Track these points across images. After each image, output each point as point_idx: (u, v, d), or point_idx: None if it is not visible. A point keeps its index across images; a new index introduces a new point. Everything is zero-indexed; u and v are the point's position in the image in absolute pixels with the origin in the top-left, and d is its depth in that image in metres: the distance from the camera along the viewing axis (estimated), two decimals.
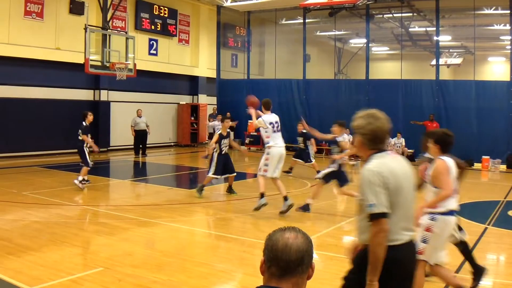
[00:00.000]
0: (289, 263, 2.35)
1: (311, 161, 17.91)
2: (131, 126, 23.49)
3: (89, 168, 14.19)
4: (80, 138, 14.14)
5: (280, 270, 2.36)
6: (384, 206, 3.69)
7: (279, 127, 11.36)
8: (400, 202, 3.79)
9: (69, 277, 6.87)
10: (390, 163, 3.87)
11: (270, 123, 11.22)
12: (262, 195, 10.96)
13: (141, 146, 23.81)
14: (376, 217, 3.68)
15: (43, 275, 6.88)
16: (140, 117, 23.59)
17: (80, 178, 13.97)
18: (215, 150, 13.35)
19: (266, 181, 11.15)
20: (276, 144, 11.17)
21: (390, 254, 3.68)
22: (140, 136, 23.63)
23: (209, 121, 28.41)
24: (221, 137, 13.30)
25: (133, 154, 23.61)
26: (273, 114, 11.48)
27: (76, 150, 14.43)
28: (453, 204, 5.78)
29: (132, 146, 24.00)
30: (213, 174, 13.29)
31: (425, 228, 5.77)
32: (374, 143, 3.96)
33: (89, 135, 14.34)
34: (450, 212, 5.75)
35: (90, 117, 14.43)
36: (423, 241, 5.73)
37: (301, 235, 2.43)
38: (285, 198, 10.90)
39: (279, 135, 11.33)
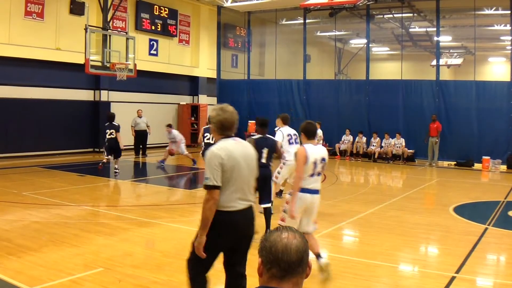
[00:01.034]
0: (290, 264, 2.34)
1: None
2: (132, 126, 23.45)
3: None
4: (114, 136, 17.04)
5: (281, 271, 2.35)
6: (216, 180, 4.71)
7: (297, 139, 11.57)
8: (235, 178, 4.81)
9: (69, 277, 6.88)
10: (230, 147, 4.86)
11: (288, 135, 11.69)
12: None
13: (141, 146, 23.81)
14: (209, 188, 4.73)
15: (43, 275, 6.88)
16: (140, 117, 23.55)
17: (117, 166, 17.30)
18: None
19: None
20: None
21: (226, 218, 4.81)
22: (140, 136, 23.61)
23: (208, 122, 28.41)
24: None
25: (133, 155, 23.60)
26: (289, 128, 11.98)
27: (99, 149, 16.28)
28: (308, 184, 6.95)
29: (133, 147, 23.95)
30: None
31: (286, 201, 7.21)
32: (222, 130, 4.98)
33: None
34: (304, 190, 6.91)
35: None
36: (284, 211, 7.17)
37: (298, 235, 2.43)
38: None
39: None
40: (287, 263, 2.34)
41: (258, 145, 8.90)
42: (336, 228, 10.29)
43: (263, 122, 9.78)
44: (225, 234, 4.87)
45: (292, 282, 2.37)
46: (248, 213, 4.98)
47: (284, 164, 11.59)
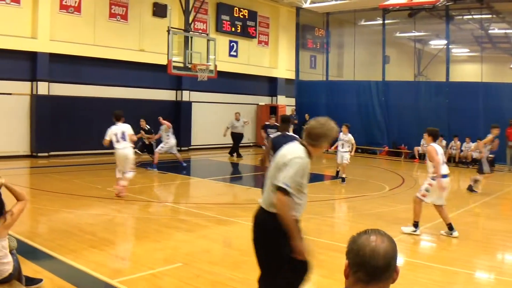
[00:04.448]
0: (376, 269, 2.31)
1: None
2: (227, 127, 23.57)
3: None
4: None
5: (367, 275, 2.32)
6: None
7: None
8: None
9: (149, 271, 7.09)
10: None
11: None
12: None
13: (233, 145, 23.87)
14: None
15: (124, 268, 7.14)
16: (238, 120, 23.64)
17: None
18: None
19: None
20: None
21: None
22: (237, 138, 23.72)
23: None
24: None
25: (213, 153, 23.93)
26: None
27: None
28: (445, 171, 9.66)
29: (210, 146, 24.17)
30: None
31: (428, 183, 9.66)
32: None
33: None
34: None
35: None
36: (426, 190, 9.68)
37: (387, 239, 2.39)
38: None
39: None
40: (374, 268, 2.31)
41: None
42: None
43: (284, 119, 9.44)
44: None
45: (378, 287, 2.35)
46: (257, 213, 4.94)
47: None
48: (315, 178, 17.73)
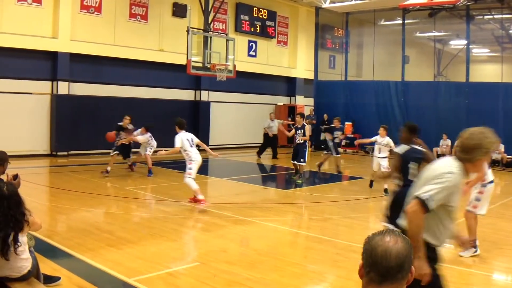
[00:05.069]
0: (388, 269, 2.31)
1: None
2: (265, 128, 23.51)
3: None
4: None
5: (379, 276, 2.32)
6: None
7: None
8: None
9: (166, 270, 7.13)
10: None
11: None
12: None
13: (271, 148, 23.63)
14: None
15: (141, 267, 7.15)
16: (272, 120, 23.59)
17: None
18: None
19: None
20: None
21: None
22: (272, 139, 23.56)
23: (305, 122, 28.45)
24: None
25: (231, 153, 23.96)
26: None
27: None
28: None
29: (232, 144, 24.20)
30: None
31: (479, 191, 8.74)
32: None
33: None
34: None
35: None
36: (477, 200, 8.70)
37: (401, 240, 2.38)
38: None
39: None
40: (385, 268, 2.31)
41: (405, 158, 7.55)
42: None
43: (412, 128, 8.02)
44: None
45: None
46: None
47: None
48: (333, 178, 17.72)
